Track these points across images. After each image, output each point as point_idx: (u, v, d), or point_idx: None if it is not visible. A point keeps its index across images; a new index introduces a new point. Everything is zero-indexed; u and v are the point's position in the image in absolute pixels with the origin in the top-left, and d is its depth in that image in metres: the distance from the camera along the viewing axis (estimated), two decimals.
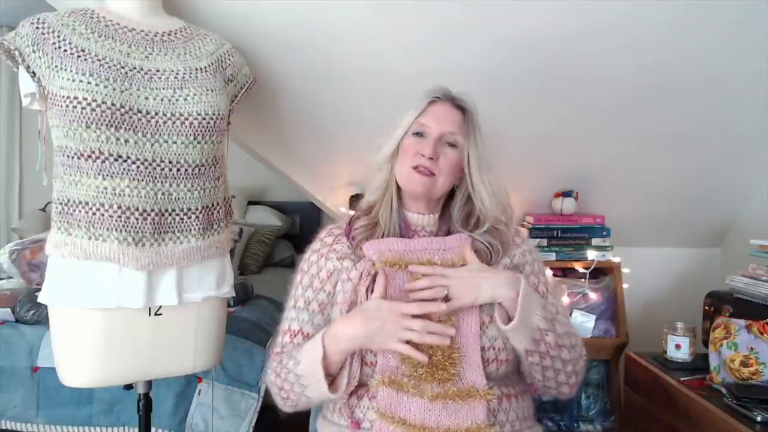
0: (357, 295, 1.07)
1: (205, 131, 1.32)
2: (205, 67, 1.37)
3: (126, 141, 1.24)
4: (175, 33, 1.39)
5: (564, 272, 2.14)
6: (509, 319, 1.03)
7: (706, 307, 1.84)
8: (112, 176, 1.23)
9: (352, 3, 1.46)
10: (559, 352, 1.05)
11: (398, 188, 1.16)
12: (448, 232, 1.16)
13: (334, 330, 1.03)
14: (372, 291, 1.06)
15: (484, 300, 1.04)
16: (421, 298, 1.03)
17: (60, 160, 1.25)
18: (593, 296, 2.04)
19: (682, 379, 1.65)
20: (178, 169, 1.30)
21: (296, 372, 1.05)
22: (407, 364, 1.00)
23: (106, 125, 1.21)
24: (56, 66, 1.21)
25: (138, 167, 1.25)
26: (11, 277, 2.48)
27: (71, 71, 1.20)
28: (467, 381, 1.01)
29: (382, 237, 1.13)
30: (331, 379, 1.04)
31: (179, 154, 1.29)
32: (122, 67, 1.26)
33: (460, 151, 1.13)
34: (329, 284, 1.14)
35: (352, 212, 1.23)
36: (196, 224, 1.34)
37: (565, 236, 2.13)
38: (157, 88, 1.28)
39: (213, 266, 1.41)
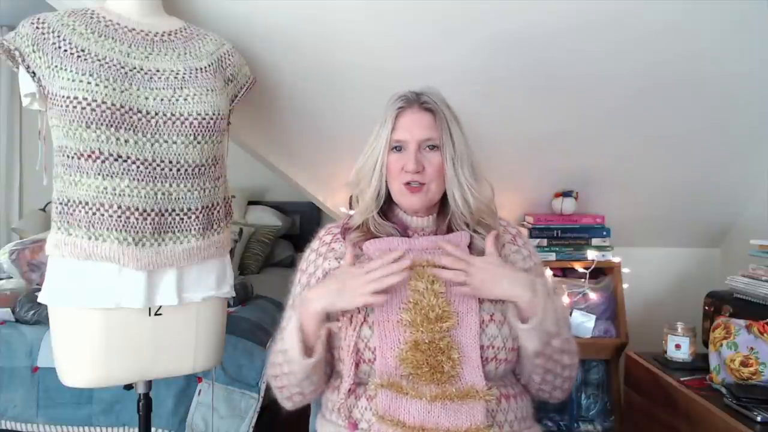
0: None
1: (205, 131, 1.32)
2: (205, 67, 1.37)
3: (126, 141, 1.24)
4: (175, 33, 1.39)
5: (564, 272, 2.14)
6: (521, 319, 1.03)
7: (706, 307, 1.84)
8: (112, 176, 1.23)
9: (351, 2, 1.46)
10: (561, 357, 1.06)
11: (390, 197, 1.17)
12: (449, 229, 1.15)
13: (306, 294, 1.06)
14: None
15: (500, 294, 1.04)
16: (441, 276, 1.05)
17: (60, 160, 1.25)
18: (593, 296, 2.04)
19: (682, 379, 1.65)
20: (178, 169, 1.30)
21: (282, 348, 1.06)
22: (406, 365, 1.00)
23: (106, 125, 1.21)
24: (56, 66, 1.21)
25: (138, 167, 1.25)
26: (11, 277, 2.48)
27: (71, 71, 1.20)
28: (466, 381, 1.00)
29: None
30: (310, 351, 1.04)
31: (179, 154, 1.29)
32: (122, 67, 1.26)
33: (440, 150, 1.12)
34: None
35: (352, 212, 1.22)
36: (196, 224, 1.34)
37: (565, 236, 2.13)
38: (157, 88, 1.28)
39: (213, 266, 1.41)
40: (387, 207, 1.18)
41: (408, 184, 1.11)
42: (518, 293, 1.02)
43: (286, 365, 1.06)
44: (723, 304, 1.75)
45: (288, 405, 1.14)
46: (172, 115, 1.28)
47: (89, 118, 1.20)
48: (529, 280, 1.05)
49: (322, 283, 1.09)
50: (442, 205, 1.18)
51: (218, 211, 1.40)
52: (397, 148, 1.13)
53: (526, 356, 1.05)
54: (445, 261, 1.05)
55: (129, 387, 1.46)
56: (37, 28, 1.23)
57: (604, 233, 2.14)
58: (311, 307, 1.03)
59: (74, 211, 1.24)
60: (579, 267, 2.08)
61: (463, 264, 1.04)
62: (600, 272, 2.12)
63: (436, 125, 1.12)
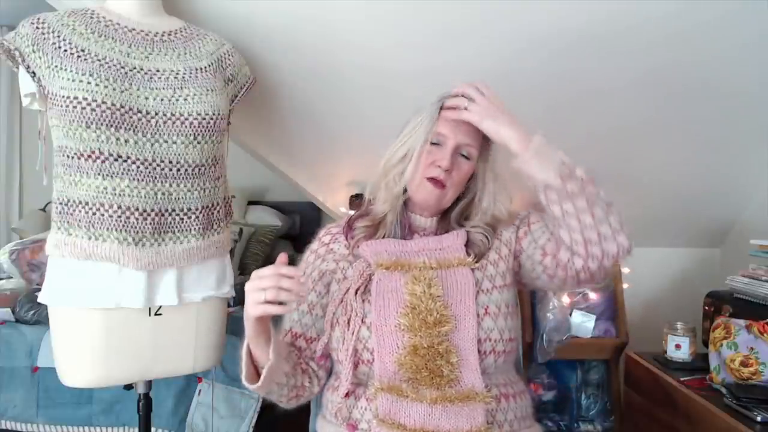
0: (347, 298, 1.07)
1: (205, 131, 1.32)
2: (205, 67, 1.37)
3: (126, 141, 1.24)
4: (175, 33, 1.39)
5: None
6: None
7: (706, 307, 1.84)
8: (112, 176, 1.23)
9: (351, 2, 1.46)
10: (581, 201, 1.00)
11: (405, 192, 1.16)
12: (446, 230, 1.15)
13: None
14: (363, 292, 1.06)
15: (488, 127, 1.03)
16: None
17: (60, 160, 1.25)
18: (593, 296, 2.04)
19: (682, 379, 1.65)
20: (178, 169, 1.30)
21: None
22: (405, 369, 1.00)
23: (106, 125, 1.21)
24: (56, 66, 1.21)
25: (138, 167, 1.25)
26: (11, 277, 2.48)
27: (71, 71, 1.20)
28: (465, 384, 1.00)
29: (383, 238, 1.13)
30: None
31: (179, 154, 1.29)
32: (122, 67, 1.26)
33: (471, 162, 1.12)
34: (321, 284, 1.14)
35: (352, 212, 1.22)
36: (196, 224, 1.34)
37: None
38: (157, 88, 1.28)
39: (213, 266, 1.41)
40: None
41: (431, 179, 1.10)
42: (507, 134, 1.03)
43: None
44: (723, 304, 1.75)
45: (280, 405, 1.12)
46: (172, 115, 1.28)
47: (89, 118, 1.20)
48: (526, 133, 1.03)
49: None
50: (445, 211, 1.18)
51: (218, 211, 1.40)
52: (435, 142, 1.11)
53: (540, 196, 1.02)
54: (455, 90, 1.07)
55: (129, 387, 1.46)
56: (37, 28, 1.23)
57: None
58: (247, 331, 0.97)
59: (74, 211, 1.24)
60: None
61: (473, 92, 1.06)
62: None
63: (477, 135, 1.11)
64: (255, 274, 0.93)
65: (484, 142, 1.13)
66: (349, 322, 1.05)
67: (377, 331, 1.03)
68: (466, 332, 1.02)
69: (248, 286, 0.93)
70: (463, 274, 1.07)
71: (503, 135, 1.03)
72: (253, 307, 0.91)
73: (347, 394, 1.05)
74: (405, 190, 1.14)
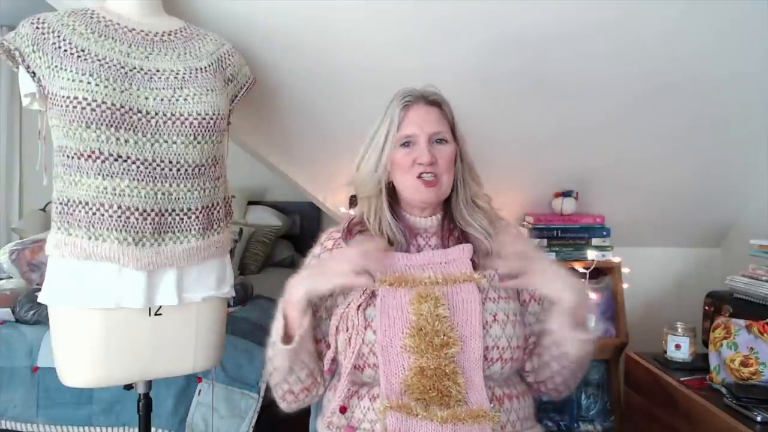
0: (348, 312, 1.06)
1: (205, 131, 1.32)
2: (205, 67, 1.37)
3: (126, 141, 1.24)
4: (175, 33, 1.39)
5: None
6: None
7: (706, 307, 1.84)
8: (112, 176, 1.23)
9: (351, 2, 1.46)
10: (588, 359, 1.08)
11: (392, 197, 1.16)
12: (451, 230, 1.15)
13: (289, 281, 1.05)
14: (365, 309, 1.05)
15: (548, 293, 1.02)
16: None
17: (60, 160, 1.25)
18: (593, 296, 2.04)
19: (682, 379, 1.65)
20: (178, 169, 1.30)
21: (270, 342, 1.05)
22: (412, 390, 0.99)
23: (106, 125, 1.21)
24: (56, 66, 1.21)
25: (138, 167, 1.25)
26: (11, 277, 2.48)
27: (71, 71, 1.20)
28: (473, 404, 1.00)
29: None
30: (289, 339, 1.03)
31: (179, 154, 1.29)
32: (122, 67, 1.26)
33: (451, 144, 1.13)
34: None
35: (351, 212, 1.22)
36: (196, 224, 1.34)
37: (565, 236, 2.13)
38: (157, 88, 1.28)
39: (213, 266, 1.41)
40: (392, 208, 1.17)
41: (420, 177, 1.10)
42: (566, 296, 0.99)
43: (275, 358, 1.05)
44: (723, 304, 1.75)
45: (283, 406, 1.12)
46: (172, 115, 1.28)
47: (89, 118, 1.20)
48: (575, 282, 1.02)
49: (305, 268, 1.08)
50: (445, 204, 1.17)
51: (218, 211, 1.40)
52: (406, 143, 1.12)
53: (562, 360, 1.04)
54: (502, 269, 1.04)
55: (129, 387, 1.46)
56: (37, 28, 1.23)
57: (604, 233, 2.13)
58: (292, 295, 1.02)
59: (74, 211, 1.24)
60: (579, 267, 2.08)
61: (523, 263, 1.02)
62: (600, 272, 2.11)
63: (444, 119, 1.14)
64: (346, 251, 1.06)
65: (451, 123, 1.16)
66: (350, 341, 1.04)
67: (383, 351, 1.01)
68: (472, 353, 1.01)
69: (336, 258, 1.05)
70: (469, 290, 1.05)
71: (561, 297, 1.01)
72: (337, 277, 1.00)
73: (342, 409, 1.05)
74: (391, 195, 1.15)
